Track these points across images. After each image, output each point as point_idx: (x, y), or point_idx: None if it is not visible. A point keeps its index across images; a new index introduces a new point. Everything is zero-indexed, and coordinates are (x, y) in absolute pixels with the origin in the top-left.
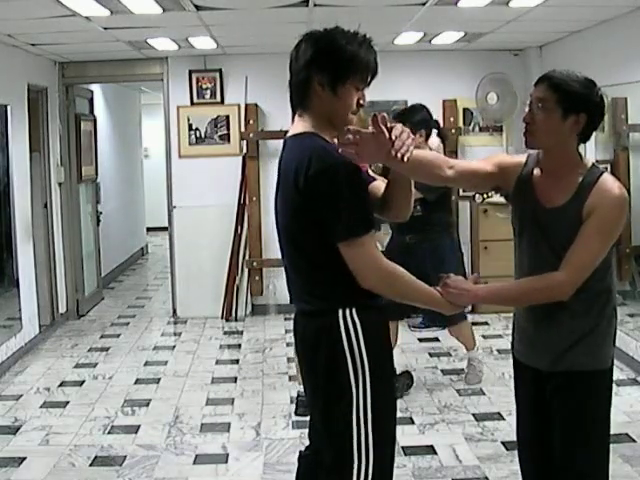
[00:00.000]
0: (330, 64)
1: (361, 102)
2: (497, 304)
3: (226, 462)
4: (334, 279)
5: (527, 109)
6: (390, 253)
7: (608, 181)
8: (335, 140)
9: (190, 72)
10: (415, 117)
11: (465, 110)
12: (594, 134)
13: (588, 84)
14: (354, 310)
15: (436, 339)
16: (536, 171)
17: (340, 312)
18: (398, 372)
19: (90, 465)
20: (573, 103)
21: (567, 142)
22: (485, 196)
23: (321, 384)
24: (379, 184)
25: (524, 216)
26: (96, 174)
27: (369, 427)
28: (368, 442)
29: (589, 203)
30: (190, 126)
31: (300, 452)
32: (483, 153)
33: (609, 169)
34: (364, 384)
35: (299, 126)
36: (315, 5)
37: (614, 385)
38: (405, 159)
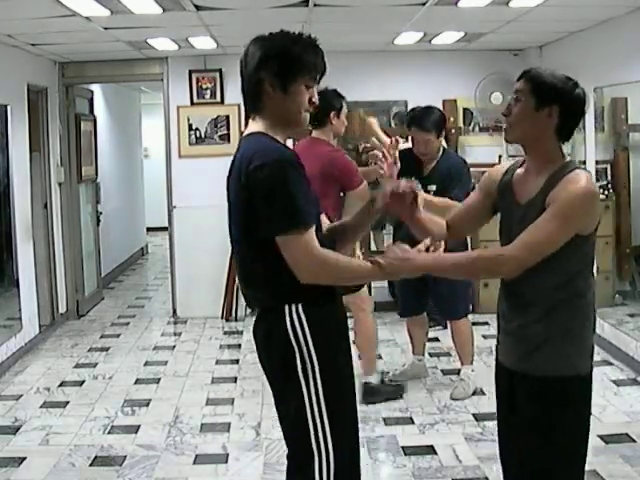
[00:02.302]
0: (278, 64)
1: (313, 100)
2: (441, 272)
3: (226, 462)
4: (278, 274)
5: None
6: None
7: (577, 175)
8: (290, 140)
9: (190, 72)
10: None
11: (465, 110)
12: (594, 134)
13: (565, 79)
14: (300, 306)
15: (436, 339)
16: (519, 171)
17: (286, 309)
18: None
19: (90, 465)
20: (545, 94)
21: (544, 137)
22: None
23: (274, 383)
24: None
25: (504, 216)
26: (96, 174)
27: (326, 424)
28: (327, 439)
29: (553, 192)
30: (190, 126)
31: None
32: (483, 153)
33: (609, 169)
34: (315, 381)
35: (252, 127)
36: (315, 5)
37: (614, 385)
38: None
